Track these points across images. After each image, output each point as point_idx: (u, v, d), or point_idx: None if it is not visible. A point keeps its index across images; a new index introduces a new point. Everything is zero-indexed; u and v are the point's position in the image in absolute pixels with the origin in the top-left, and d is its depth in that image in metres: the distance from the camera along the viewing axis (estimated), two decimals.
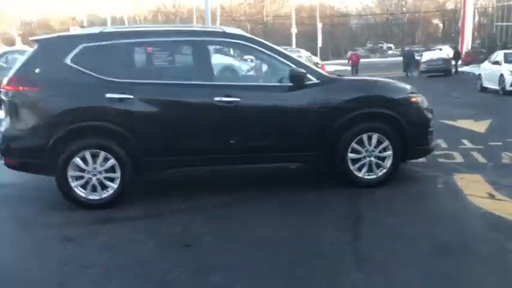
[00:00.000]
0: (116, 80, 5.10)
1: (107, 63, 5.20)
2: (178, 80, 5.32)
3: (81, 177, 5.06)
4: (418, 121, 5.64)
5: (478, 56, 33.26)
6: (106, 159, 5.06)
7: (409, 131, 5.50)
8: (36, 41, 5.44)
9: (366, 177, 5.51)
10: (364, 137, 5.44)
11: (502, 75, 16.75)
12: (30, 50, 6.33)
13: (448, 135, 8.28)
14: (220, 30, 5.94)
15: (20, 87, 5.10)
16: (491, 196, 5.19)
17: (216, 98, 5.17)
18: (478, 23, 53.61)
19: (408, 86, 6.00)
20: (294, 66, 5.40)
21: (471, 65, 30.97)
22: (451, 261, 3.76)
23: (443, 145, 7.64)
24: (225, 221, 4.75)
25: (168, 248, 4.17)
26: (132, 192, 5.29)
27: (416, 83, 22.30)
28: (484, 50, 35.26)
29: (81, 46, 5.18)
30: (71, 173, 5.02)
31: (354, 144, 5.44)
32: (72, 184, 5.05)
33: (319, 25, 47.31)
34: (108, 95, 5.03)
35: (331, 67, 35.70)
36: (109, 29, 5.71)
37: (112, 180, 5.10)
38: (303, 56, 20.97)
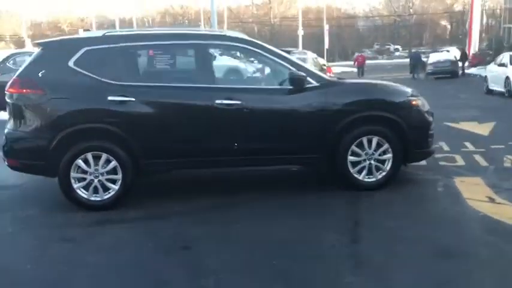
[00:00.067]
0: (117, 82, 5.15)
1: (110, 66, 5.25)
2: (179, 83, 5.37)
3: (84, 179, 5.12)
4: (418, 124, 5.65)
5: (485, 57, 33.01)
6: (108, 161, 5.12)
7: (409, 134, 5.51)
8: (39, 44, 5.51)
9: (365, 180, 5.53)
10: (364, 140, 5.46)
11: (507, 78, 16.48)
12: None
13: (450, 138, 8.27)
14: (222, 34, 5.98)
15: (24, 90, 5.17)
16: (491, 200, 5.18)
17: (217, 101, 5.21)
18: (486, 25, 53.33)
19: (409, 89, 5.99)
20: (294, 69, 5.44)
21: (478, 67, 30.76)
22: (450, 264, 3.76)
23: (445, 148, 7.63)
24: (225, 223, 4.77)
25: (167, 250, 4.20)
26: (132, 194, 5.34)
27: (422, 84, 22.35)
28: (491, 52, 34.98)
29: (84, 49, 5.25)
30: (73, 174, 5.09)
31: (354, 147, 5.46)
32: (75, 185, 5.11)
33: (326, 27, 47.28)
34: (109, 98, 5.09)
35: (338, 69, 35.75)
36: (112, 32, 5.76)
37: (114, 182, 5.15)
38: (309, 57, 20.80)
